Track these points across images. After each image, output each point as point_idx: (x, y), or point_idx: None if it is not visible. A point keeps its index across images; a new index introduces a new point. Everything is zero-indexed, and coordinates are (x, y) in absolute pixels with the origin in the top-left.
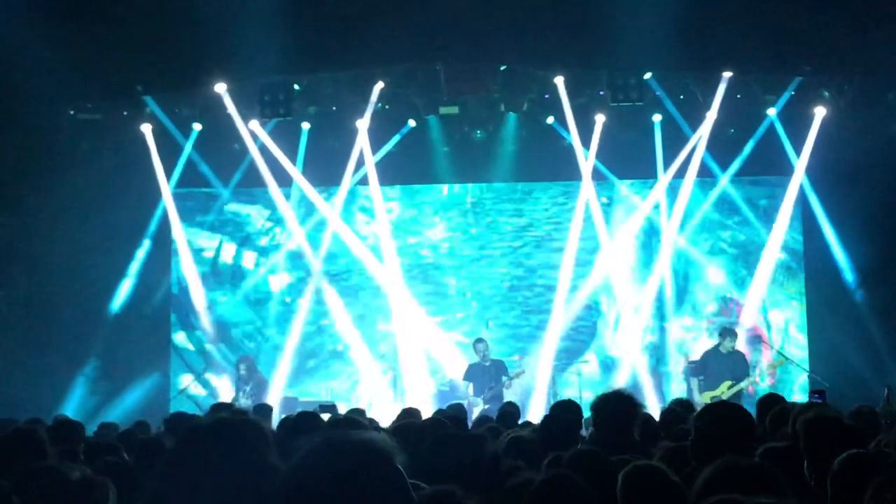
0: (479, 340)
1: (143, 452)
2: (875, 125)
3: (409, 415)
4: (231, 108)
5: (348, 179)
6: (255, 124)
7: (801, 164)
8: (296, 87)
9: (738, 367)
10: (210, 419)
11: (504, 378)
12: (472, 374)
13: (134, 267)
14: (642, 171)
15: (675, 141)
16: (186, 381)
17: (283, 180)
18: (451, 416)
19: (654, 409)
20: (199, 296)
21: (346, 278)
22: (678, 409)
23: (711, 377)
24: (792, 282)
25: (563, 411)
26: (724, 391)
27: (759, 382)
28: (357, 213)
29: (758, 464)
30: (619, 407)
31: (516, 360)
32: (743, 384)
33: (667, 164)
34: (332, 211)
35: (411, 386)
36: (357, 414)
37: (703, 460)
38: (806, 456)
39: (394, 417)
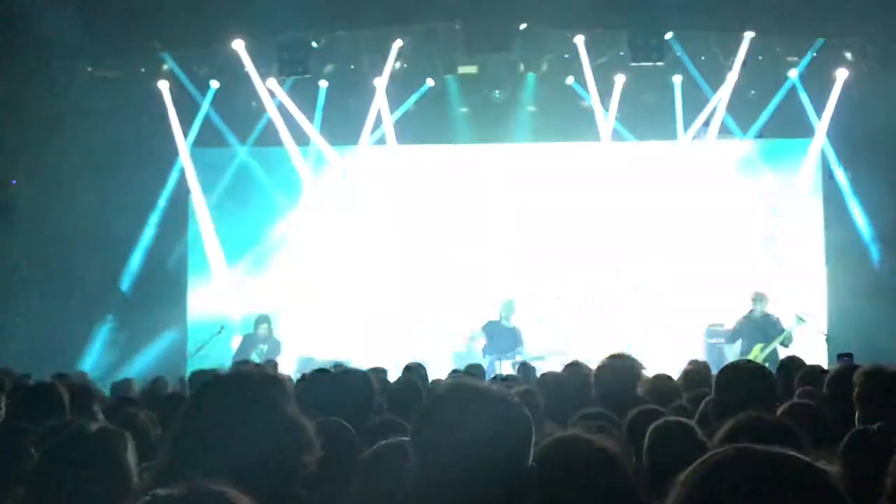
0: (506, 300)
1: (162, 408)
2: None
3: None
4: (249, 65)
5: (366, 139)
6: (272, 82)
7: (822, 126)
8: (314, 44)
9: (769, 328)
10: (230, 371)
11: (520, 348)
12: (489, 329)
13: (151, 224)
14: (662, 132)
15: (695, 102)
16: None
17: (301, 139)
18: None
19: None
20: (215, 252)
21: (362, 236)
22: (698, 371)
23: (746, 343)
24: (812, 246)
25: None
26: (756, 354)
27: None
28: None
29: (779, 420)
30: (622, 368)
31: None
32: (774, 343)
33: (687, 126)
34: (348, 169)
35: (429, 346)
36: (380, 373)
37: (724, 419)
38: (859, 407)
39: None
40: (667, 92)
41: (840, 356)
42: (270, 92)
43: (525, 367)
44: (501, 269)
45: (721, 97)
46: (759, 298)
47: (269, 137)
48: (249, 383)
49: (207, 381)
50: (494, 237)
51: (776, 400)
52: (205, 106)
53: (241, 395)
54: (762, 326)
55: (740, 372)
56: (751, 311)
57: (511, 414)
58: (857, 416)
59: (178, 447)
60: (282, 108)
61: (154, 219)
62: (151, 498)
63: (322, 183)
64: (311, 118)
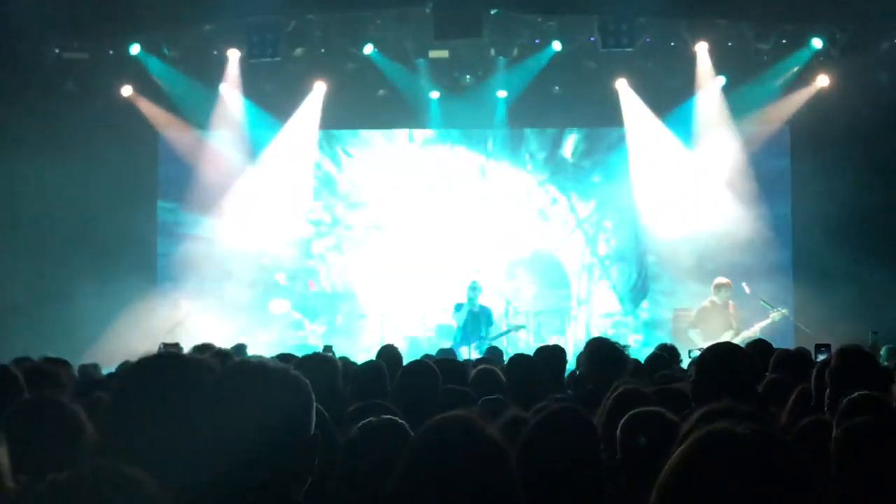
0: (471, 283)
1: None
2: (866, 75)
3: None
4: (218, 47)
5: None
6: (241, 63)
7: (790, 114)
8: (284, 28)
9: (732, 317)
10: (153, 356)
11: (492, 328)
12: (460, 316)
13: (122, 207)
14: (631, 118)
15: (663, 89)
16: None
17: (270, 122)
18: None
19: None
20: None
21: (333, 218)
22: (664, 355)
23: (711, 332)
24: (780, 237)
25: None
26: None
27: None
28: (341, 155)
29: (751, 409)
30: (606, 352)
31: None
32: (745, 332)
33: (657, 113)
34: (318, 152)
35: (399, 332)
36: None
37: (704, 402)
38: (831, 383)
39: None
40: (638, 77)
41: (818, 346)
42: (240, 74)
43: (493, 351)
44: (467, 252)
45: (691, 84)
46: (721, 287)
47: (238, 120)
48: (171, 368)
49: (133, 366)
50: (459, 222)
51: (756, 383)
52: (172, 88)
53: (164, 379)
54: (725, 315)
55: (721, 354)
56: (712, 300)
57: (288, 386)
58: (827, 393)
59: (105, 431)
60: (251, 92)
61: (124, 200)
62: (52, 480)
63: (292, 166)
64: (280, 101)
